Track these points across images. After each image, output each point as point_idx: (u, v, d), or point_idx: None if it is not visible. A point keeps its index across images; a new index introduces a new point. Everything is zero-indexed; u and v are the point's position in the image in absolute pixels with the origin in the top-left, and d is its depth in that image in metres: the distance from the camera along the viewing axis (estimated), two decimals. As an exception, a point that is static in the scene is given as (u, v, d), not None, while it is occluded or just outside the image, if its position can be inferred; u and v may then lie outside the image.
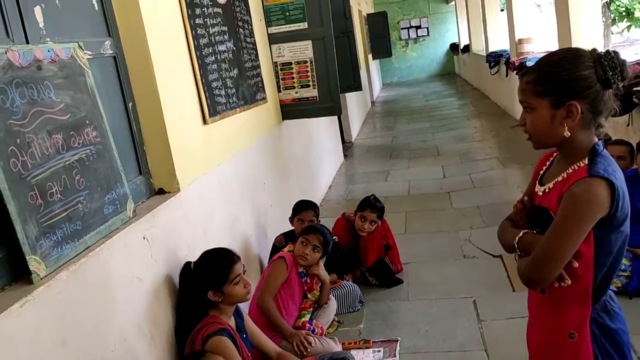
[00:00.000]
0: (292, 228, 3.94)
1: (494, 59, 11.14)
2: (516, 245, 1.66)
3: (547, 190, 1.63)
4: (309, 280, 3.41)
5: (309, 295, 3.43)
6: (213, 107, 3.24)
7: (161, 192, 2.71)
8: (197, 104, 3.08)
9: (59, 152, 1.94)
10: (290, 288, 3.27)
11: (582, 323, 1.58)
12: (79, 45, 2.18)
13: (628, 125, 4.63)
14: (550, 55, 1.60)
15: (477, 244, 4.55)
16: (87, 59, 2.22)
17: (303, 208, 3.92)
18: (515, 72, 8.36)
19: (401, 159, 8.11)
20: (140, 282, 2.23)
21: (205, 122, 3.13)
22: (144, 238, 2.31)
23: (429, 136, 9.66)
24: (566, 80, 1.51)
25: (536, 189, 1.70)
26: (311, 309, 3.43)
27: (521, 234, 1.65)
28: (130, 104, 2.60)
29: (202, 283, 2.43)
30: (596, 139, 1.57)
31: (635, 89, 4.20)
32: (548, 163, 1.73)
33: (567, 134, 1.53)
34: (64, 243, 1.87)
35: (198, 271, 2.49)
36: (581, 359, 1.59)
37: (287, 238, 3.86)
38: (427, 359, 3.09)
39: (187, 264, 2.55)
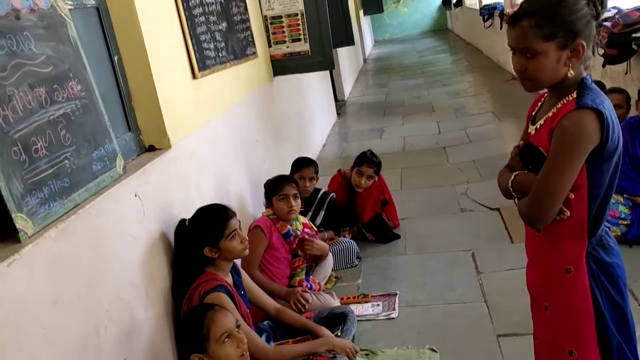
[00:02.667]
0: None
1: (488, 12, 10.96)
2: (510, 188, 1.66)
3: (538, 127, 1.63)
4: (292, 240, 3.25)
5: (299, 253, 3.35)
6: (202, 61, 3.13)
7: (152, 149, 2.62)
8: (185, 57, 2.97)
9: (42, 106, 1.85)
10: (276, 251, 3.17)
11: (578, 257, 1.60)
12: (58, -6, 2.06)
13: (626, 73, 4.54)
14: None
15: (474, 197, 4.52)
16: (69, 9, 2.11)
17: (303, 165, 3.85)
18: (509, 23, 8.22)
19: (395, 116, 8.02)
20: (133, 239, 2.17)
21: (194, 76, 3.03)
22: (135, 195, 2.24)
23: (423, 92, 9.54)
24: (571, 20, 1.49)
25: (529, 130, 1.70)
26: (304, 266, 3.36)
27: (513, 175, 1.66)
28: (115, 58, 2.49)
29: (198, 239, 2.38)
30: (585, 73, 1.57)
31: (634, 35, 4.10)
32: (540, 104, 1.72)
33: (570, 73, 1.53)
34: (51, 200, 1.80)
35: (193, 227, 2.44)
36: (578, 293, 1.61)
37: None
38: (426, 311, 3.08)
39: (182, 221, 2.50)
